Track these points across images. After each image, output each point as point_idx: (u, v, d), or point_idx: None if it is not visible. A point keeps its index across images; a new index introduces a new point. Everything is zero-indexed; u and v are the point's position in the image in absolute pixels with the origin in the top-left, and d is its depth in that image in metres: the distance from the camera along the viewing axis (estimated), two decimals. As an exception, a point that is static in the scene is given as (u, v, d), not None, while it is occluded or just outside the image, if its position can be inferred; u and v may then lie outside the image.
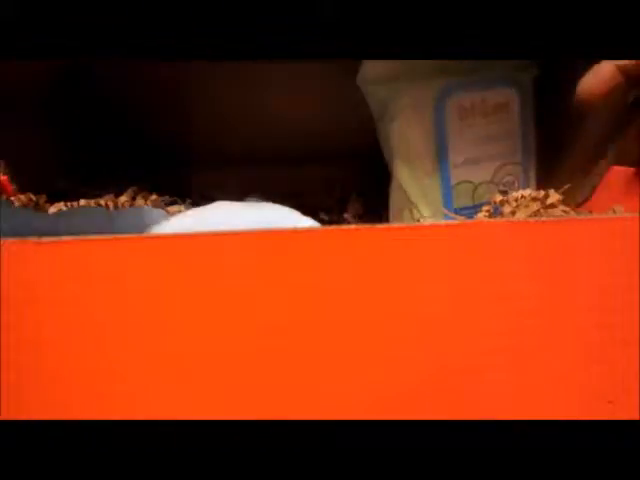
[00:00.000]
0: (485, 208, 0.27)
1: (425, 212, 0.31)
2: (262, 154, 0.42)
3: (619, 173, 0.29)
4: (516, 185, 0.31)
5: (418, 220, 0.31)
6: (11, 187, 0.31)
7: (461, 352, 0.19)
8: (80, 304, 0.17)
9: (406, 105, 0.30)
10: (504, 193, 0.29)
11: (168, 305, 0.18)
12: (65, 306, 0.17)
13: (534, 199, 0.26)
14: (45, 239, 0.17)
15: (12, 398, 0.18)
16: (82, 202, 0.31)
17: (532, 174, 0.32)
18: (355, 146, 0.40)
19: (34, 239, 0.17)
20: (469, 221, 0.21)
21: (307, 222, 0.24)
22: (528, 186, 0.31)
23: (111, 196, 0.33)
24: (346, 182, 0.41)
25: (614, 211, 0.24)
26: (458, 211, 0.30)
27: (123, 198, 0.32)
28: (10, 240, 0.17)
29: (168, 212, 0.29)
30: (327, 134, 0.40)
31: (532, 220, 0.18)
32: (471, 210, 0.30)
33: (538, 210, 0.26)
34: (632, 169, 0.28)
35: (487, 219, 0.26)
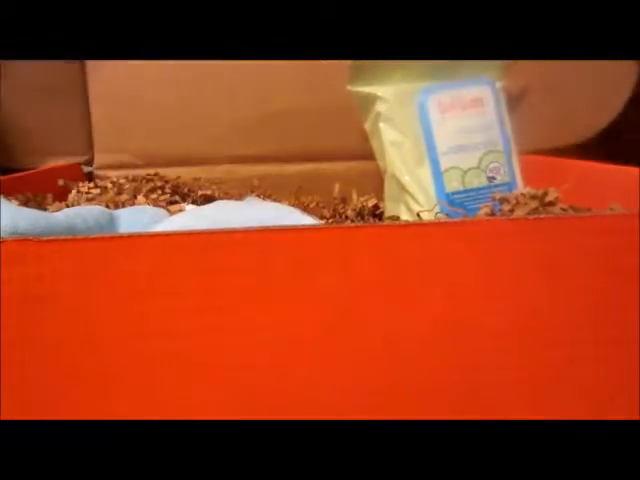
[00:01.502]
0: (485, 206, 0.27)
1: (420, 198, 0.33)
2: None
3: (618, 172, 0.29)
4: (502, 171, 0.34)
5: (418, 214, 0.32)
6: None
7: (460, 351, 0.19)
8: (80, 304, 0.17)
9: (393, 103, 0.34)
10: (492, 179, 0.33)
11: (168, 304, 0.18)
12: (65, 306, 0.17)
13: (533, 197, 0.26)
14: (45, 239, 0.17)
15: (12, 398, 0.18)
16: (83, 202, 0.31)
17: (515, 160, 0.35)
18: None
19: (34, 239, 0.17)
20: (469, 219, 0.21)
21: (308, 221, 0.24)
22: (513, 172, 0.34)
23: (111, 195, 0.33)
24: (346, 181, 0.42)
25: (612, 209, 0.24)
26: (450, 195, 0.33)
27: (123, 197, 0.32)
28: (10, 240, 0.17)
29: (169, 211, 0.29)
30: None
31: (531, 218, 0.18)
32: (462, 194, 0.33)
33: (537, 208, 0.26)
34: (631, 168, 0.28)
35: (487, 217, 0.26)
